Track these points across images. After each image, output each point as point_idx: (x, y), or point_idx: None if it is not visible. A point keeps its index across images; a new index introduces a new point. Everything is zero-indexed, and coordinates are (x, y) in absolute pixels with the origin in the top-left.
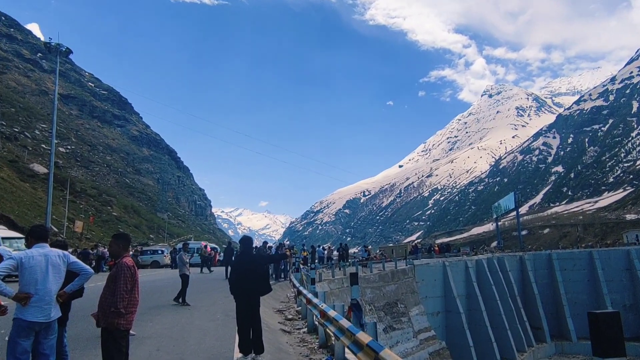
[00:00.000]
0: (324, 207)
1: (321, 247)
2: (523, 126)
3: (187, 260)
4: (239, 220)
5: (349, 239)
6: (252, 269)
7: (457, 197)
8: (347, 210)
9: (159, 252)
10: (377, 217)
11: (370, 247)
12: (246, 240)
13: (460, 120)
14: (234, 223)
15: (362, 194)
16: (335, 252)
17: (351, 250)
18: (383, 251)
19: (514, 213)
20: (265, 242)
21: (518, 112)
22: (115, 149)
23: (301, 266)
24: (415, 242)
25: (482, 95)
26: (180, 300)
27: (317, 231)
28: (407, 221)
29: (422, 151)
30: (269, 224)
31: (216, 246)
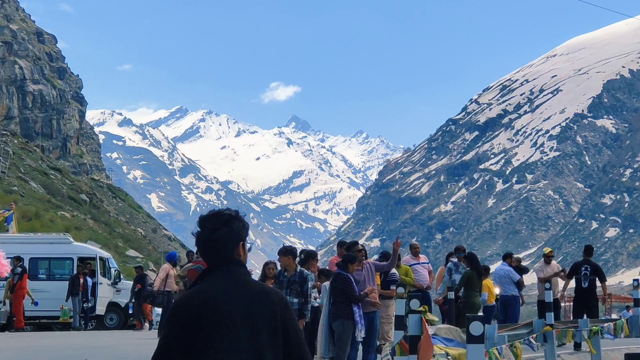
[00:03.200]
0: (521, 101)
1: (506, 262)
2: None
3: None
4: (188, 156)
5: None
6: (253, 330)
7: None
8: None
9: None
10: None
11: None
12: (221, 227)
13: None
14: (168, 164)
15: None
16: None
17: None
18: None
19: None
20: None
21: None
22: None
23: (427, 328)
24: None
25: None
26: None
27: (504, 197)
28: None
29: None
30: (302, 169)
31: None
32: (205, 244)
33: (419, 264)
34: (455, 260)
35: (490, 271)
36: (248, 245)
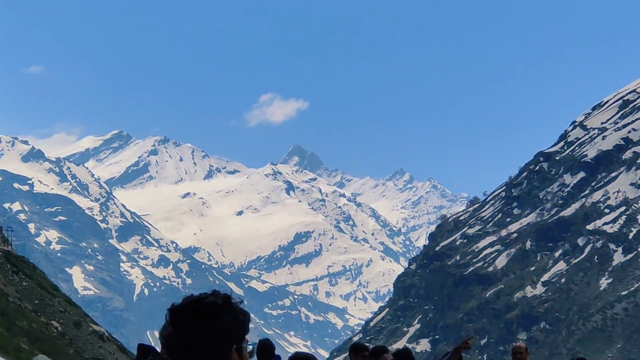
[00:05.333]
0: None
1: None
2: None
3: None
4: (131, 208)
5: None
6: None
7: None
8: None
9: None
10: None
11: None
12: (200, 323)
13: None
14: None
15: None
16: None
17: None
18: None
19: None
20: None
21: None
22: None
23: None
24: None
25: None
26: None
27: None
28: None
29: None
30: (309, 230)
31: None
32: (178, 350)
33: None
34: None
35: None
36: (249, 348)
